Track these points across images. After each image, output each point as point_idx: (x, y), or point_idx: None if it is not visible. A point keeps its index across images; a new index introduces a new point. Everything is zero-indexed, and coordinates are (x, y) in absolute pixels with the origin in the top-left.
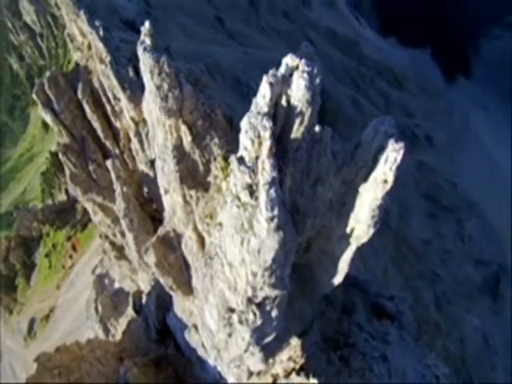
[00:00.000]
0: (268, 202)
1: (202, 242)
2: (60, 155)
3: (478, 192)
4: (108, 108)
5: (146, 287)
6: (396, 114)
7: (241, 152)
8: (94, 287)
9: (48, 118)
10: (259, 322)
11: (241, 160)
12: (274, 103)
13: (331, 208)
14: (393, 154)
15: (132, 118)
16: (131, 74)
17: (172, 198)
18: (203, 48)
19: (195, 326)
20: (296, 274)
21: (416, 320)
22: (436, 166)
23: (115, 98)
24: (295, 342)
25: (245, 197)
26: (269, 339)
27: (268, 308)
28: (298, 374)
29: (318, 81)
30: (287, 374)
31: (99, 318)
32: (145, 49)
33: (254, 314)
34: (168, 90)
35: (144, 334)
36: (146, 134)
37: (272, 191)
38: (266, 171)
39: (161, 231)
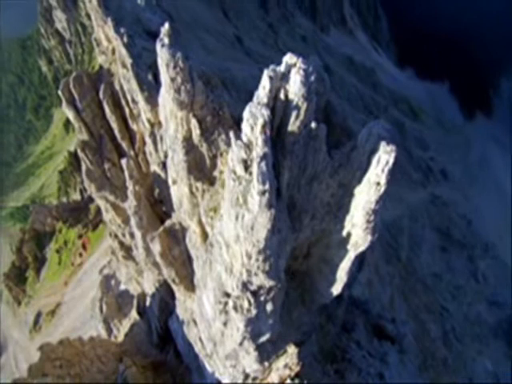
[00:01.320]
0: (259, 174)
1: (205, 236)
2: (78, 151)
3: (495, 233)
4: (126, 110)
5: (150, 288)
6: (411, 145)
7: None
8: (100, 287)
9: (70, 115)
10: (254, 312)
11: (238, 135)
12: (274, 96)
13: (330, 211)
14: (385, 156)
15: (148, 120)
16: (150, 78)
17: (179, 189)
18: (221, 63)
19: (194, 321)
20: (296, 282)
21: (422, 352)
22: (450, 201)
23: (134, 101)
24: (292, 349)
25: (240, 170)
26: (264, 339)
27: (262, 299)
28: (292, 380)
29: (313, 78)
30: (282, 381)
31: (103, 317)
32: (163, 45)
33: (249, 303)
34: (181, 83)
35: (146, 337)
36: (161, 136)
37: (263, 165)
38: (258, 146)
39: (168, 223)
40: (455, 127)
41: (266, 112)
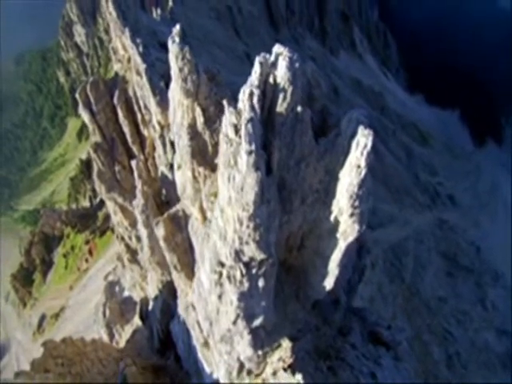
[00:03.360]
0: (246, 135)
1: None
2: (91, 152)
3: (505, 262)
4: (138, 116)
5: (154, 291)
6: (418, 169)
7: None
8: (105, 293)
9: (86, 117)
10: (246, 284)
11: (230, 103)
12: (264, 81)
13: (319, 198)
14: (363, 139)
15: (158, 122)
16: (162, 84)
17: (184, 174)
18: (231, 77)
19: (193, 306)
20: (291, 278)
21: (424, 373)
22: (458, 226)
23: (145, 107)
24: (286, 343)
25: (231, 133)
26: (257, 322)
27: (254, 272)
28: (284, 370)
29: (297, 65)
30: (274, 373)
31: (106, 322)
32: (173, 41)
33: (241, 274)
34: (188, 73)
35: (147, 343)
36: (170, 139)
37: (249, 126)
38: (246, 111)
39: (172, 210)
40: (465, 154)
41: (255, 89)
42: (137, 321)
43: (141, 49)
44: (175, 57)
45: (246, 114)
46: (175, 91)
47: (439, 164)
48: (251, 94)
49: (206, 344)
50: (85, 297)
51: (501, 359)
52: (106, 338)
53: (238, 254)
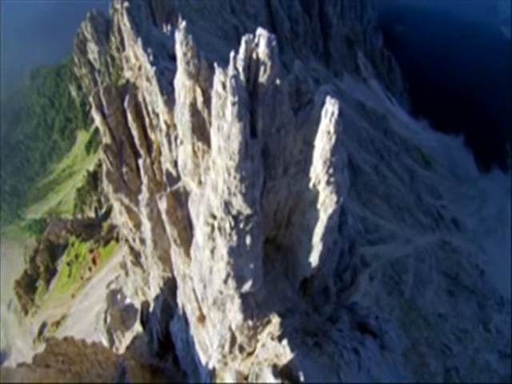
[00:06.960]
0: (231, 88)
1: None
2: (101, 152)
3: (510, 287)
4: (146, 120)
5: (155, 290)
6: (421, 191)
7: None
8: (107, 300)
9: (97, 119)
10: (234, 238)
11: (220, 64)
12: (249, 57)
13: (301, 170)
14: (330, 108)
15: (165, 121)
16: (169, 89)
17: (185, 150)
18: None
19: (190, 277)
20: (281, 255)
21: (418, 382)
22: (461, 249)
23: (153, 112)
24: (275, 319)
25: (220, 89)
26: (247, 286)
27: (242, 226)
28: (272, 339)
29: (274, 43)
30: (263, 346)
31: (107, 328)
32: (179, 31)
33: (230, 226)
34: (190, 57)
35: (146, 348)
36: (175, 137)
37: (233, 81)
38: (230, 69)
39: (174, 187)
40: (470, 179)
41: (240, 61)
42: (137, 327)
43: (151, 57)
44: (180, 43)
45: (231, 72)
46: (180, 75)
47: (443, 188)
48: (235, 58)
49: (201, 318)
50: (86, 305)
51: (503, 381)
52: (106, 344)
53: (227, 206)
